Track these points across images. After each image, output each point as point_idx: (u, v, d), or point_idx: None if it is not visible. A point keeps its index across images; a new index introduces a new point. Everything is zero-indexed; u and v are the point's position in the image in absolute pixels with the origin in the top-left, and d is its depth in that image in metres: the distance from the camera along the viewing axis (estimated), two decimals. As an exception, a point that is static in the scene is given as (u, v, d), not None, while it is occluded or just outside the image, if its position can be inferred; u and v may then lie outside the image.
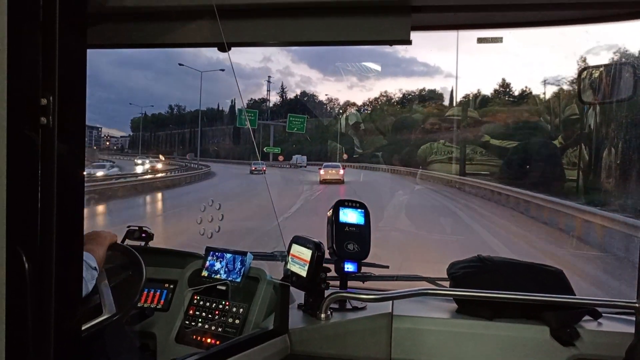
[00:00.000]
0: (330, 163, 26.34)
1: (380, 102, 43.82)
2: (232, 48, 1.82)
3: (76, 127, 0.77)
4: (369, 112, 43.85)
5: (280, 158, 34.67)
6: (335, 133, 39.94)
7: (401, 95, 43.31)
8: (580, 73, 2.07)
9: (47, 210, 0.72)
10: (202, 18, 1.68)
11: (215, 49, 1.73)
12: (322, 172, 23.84)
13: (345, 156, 34.57)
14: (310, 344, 1.65)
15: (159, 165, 34.31)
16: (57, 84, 0.72)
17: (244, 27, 1.72)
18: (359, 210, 1.83)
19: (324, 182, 22.90)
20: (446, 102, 34.44)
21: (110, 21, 1.78)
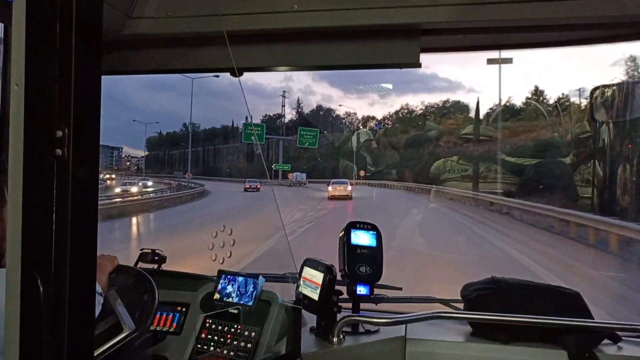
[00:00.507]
0: (338, 180, 26.56)
1: (400, 115, 43.79)
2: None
3: (90, 157, 0.78)
4: (388, 126, 43.57)
5: (290, 176, 34.34)
6: (347, 150, 40.02)
7: (423, 108, 43.89)
8: (592, 92, 2.06)
9: (62, 236, 0.73)
10: (214, 44, 1.72)
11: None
12: (330, 188, 24.03)
13: (362, 173, 34.77)
14: None
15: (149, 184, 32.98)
16: (72, 115, 0.74)
17: (254, 52, 1.76)
18: (371, 232, 1.82)
19: (333, 197, 23.06)
20: (471, 114, 34.09)
21: (124, 48, 1.83)
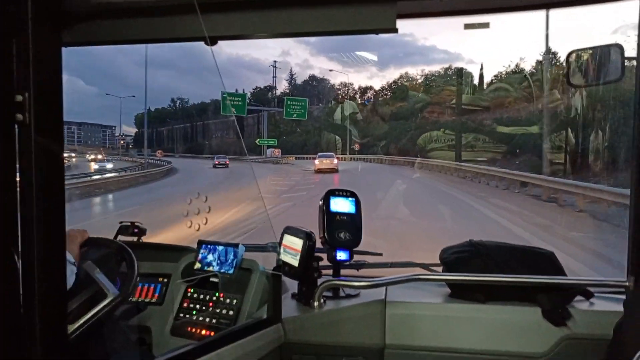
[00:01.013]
0: (324, 153, 26.86)
1: (399, 84, 41.05)
2: (249, 43, 1.80)
3: (54, 123, 0.76)
4: (386, 97, 41.38)
5: (276, 152, 31.27)
6: (337, 123, 38.39)
7: (423, 76, 40.65)
8: (568, 56, 2.07)
9: (28, 207, 0.72)
10: (185, 12, 1.66)
11: (238, 45, 1.71)
12: (317, 162, 24.25)
13: (357, 146, 33.18)
14: (304, 333, 1.66)
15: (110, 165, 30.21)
16: (31, 80, 0.71)
17: (229, 20, 1.71)
18: (350, 198, 1.83)
19: (319, 171, 23.25)
20: (475, 81, 32.66)
21: (94, 18, 1.76)
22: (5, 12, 0.70)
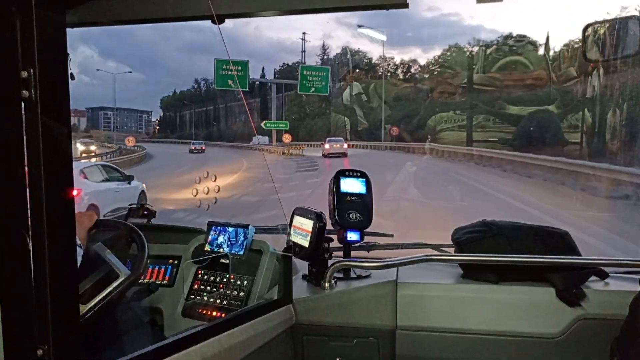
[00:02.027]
0: (334, 137, 27.22)
1: (447, 56, 35.17)
2: (290, 27, 1.75)
3: (60, 100, 0.75)
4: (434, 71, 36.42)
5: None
6: (347, 104, 36.29)
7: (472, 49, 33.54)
8: (584, 30, 2.00)
9: (36, 182, 0.71)
10: None
11: (278, 29, 1.67)
12: (327, 145, 24.70)
13: (395, 130, 29.81)
14: (315, 314, 1.66)
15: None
16: (36, 56, 0.71)
17: None
18: (360, 179, 1.81)
19: (329, 155, 23.57)
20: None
21: None
22: None
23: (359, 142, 31.62)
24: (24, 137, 0.71)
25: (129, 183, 8.99)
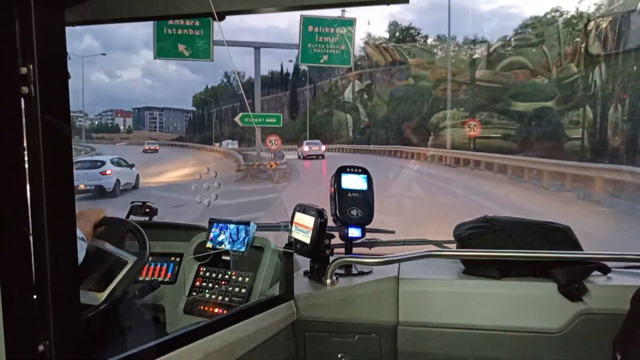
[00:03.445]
0: (311, 140, 29.10)
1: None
2: (242, 17, 1.75)
3: (59, 96, 0.75)
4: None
5: (273, 142, 16.66)
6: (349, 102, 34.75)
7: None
8: (586, 25, 1.98)
9: (36, 179, 0.71)
10: None
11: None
12: (305, 148, 26.44)
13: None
14: (317, 310, 1.66)
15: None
16: (35, 52, 0.71)
17: None
18: (362, 175, 1.80)
19: (307, 157, 25.31)
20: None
21: None
22: None
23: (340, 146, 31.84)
24: (24, 133, 0.71)
25: (131, 168, 15.14)
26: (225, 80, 52.30)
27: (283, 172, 16.34)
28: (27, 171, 0.72)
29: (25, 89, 0.70)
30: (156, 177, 17.28)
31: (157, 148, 33.02)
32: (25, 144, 0.71)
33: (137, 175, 15.11)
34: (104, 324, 1.38)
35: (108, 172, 13.17)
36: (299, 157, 25.90)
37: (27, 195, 0.72)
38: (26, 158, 0.71)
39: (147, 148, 32.77)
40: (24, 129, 0.71)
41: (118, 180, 13.37)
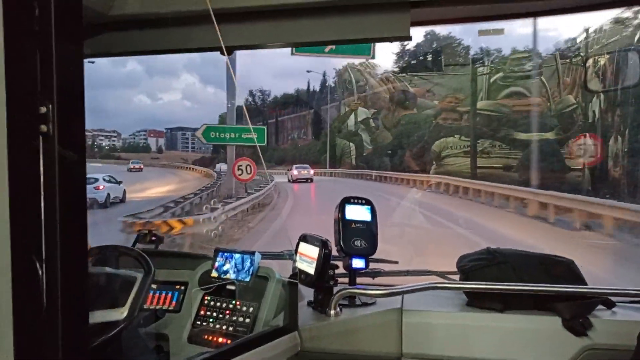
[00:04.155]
0: (300, 165, 29.83)
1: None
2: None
3: (76, 134, 0.78)
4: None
5: (246, 172, 10.85)
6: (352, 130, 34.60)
7: None
8: (585, 61, 2.05)
9: (51, 217, 0.73)
10: (203, 23, 1.69)
11: None
12: (295, 172, 27.36)
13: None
14: (321, 341, 1.65)
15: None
16: (55, 92, 0.73)
17: (244, 31, 1.74)
18: (366, 206, 1.83)
19: (297, 180, 26.16)
20: None
21: (113, 29, 1.80)
22: (29, 26, 0.72)
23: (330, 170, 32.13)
24: (41, 170, 0.74)
25: (119, 185, 17.49)
26: (250, 98, 50.36)
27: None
28: (42, 206, 0.74)
29: (44, 128, 0.72)
30: (140, 192, 19.79)
31: (141, 167, 34.27)
32: (42, 180, 0.74)
33: (124, 190, 17.81)
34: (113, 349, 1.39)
35: (101, 187, 15.58)
36: (289, 180, 26.51)
37: (42, 230, 0.74)
38: (42, 194, 0.74)
39: (132, 167, 33.72)
40: (41, 165, 0.74)
41: (109, 194, 15.99)
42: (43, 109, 0.73)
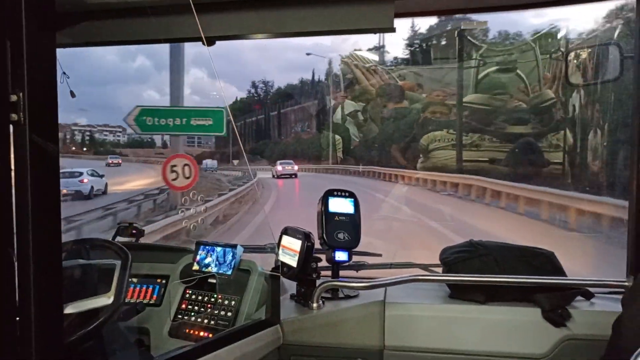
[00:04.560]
0: (285, 160, 30.00)
1: None
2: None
3: (48, 122, 0.76)
4: None
5: (184, 177, 4.25)
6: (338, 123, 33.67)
7: None
8: (566, 54, 2.07)
9: (23, 207, 0.71)
10: (184, 13, 1.66)
11: None
12: (279, 167, 27.61)
13: None
14: (303, 334, 1.65)
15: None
16: (26, 80, 0.72)
17: (226, 20, 1.71)
18: (349, 199, 1.82)
19: (281, 176, 26.36)
20: None
21: (91, 19, 1.76)
22: None
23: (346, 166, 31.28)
24: (11, 159, 0.72)
25: (102, 178, 18.43)
26: (252, 90, 46.91)
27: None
28: (13, 196, 0.72)
29: (14, 116, 0.71)
30: (119, 186, 20.80)
31: (120, 162, 34.89)
32: (12, 171, 0.72)
33: (106, 183, 18.87)
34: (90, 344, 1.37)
35: (85, 180, 17.04)
36: (273, 176, 26.70)
37: (14, 220, 0.72)
38: (13, 183, 0.72)
39: (110, 162, 33.89)
40: (12, 155, 0.72)
41: (92, 187, 17.33)
42: (14, 97, 0.71)
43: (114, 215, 11.35)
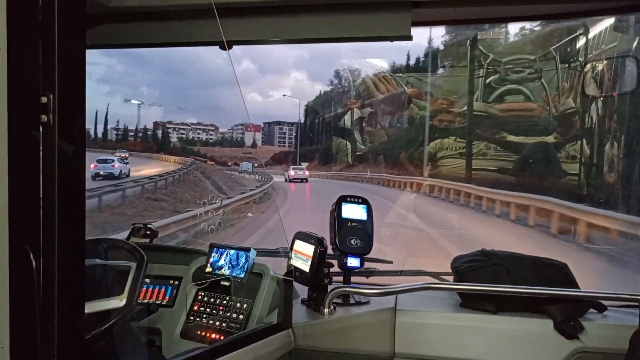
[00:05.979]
0: (297, 166, 32.34)
1: None
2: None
3: (77, 124, 0.78)
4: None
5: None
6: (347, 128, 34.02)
7: None
8: (583, 66, 2.06)
9: (49, 207, 0.73)
10: (204, 17, 1.69)
11: None
12: (292, 172, 29.31)
13: None
14: (314, 339, 1.66)
15: None
16: (56, 82, 0.73)
17: (245, 25, 1.74)
18: (362, 205, 1.83)
19: (293, 180, 27.90)
20: None
21: (112, 21, 1.80)
22: (32, 16, 0.72)
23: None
24: (40, 160, 0.73)
25: (126, 164, 25.40)
26: (335, 80, 39.18)
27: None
28: (41, 196, 0.74)
29: (44, 118, 0.72)
30: (136, 172, 26.13)
31: (127, 156, 35.84)
32: (41, 170, 0.73)
33: (129, 169, 25.25)
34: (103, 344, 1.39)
35: (115, 165, 24.21)
36: (286, 180, 28.27)
37: (40, 219, 0.74)
38: (41, 184, 0.73)
39: (118, 155, 35.18)
40: (41, 155, 0.73)
41: (121, 170, 24.05)
42: (44, 99, 0.73)
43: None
